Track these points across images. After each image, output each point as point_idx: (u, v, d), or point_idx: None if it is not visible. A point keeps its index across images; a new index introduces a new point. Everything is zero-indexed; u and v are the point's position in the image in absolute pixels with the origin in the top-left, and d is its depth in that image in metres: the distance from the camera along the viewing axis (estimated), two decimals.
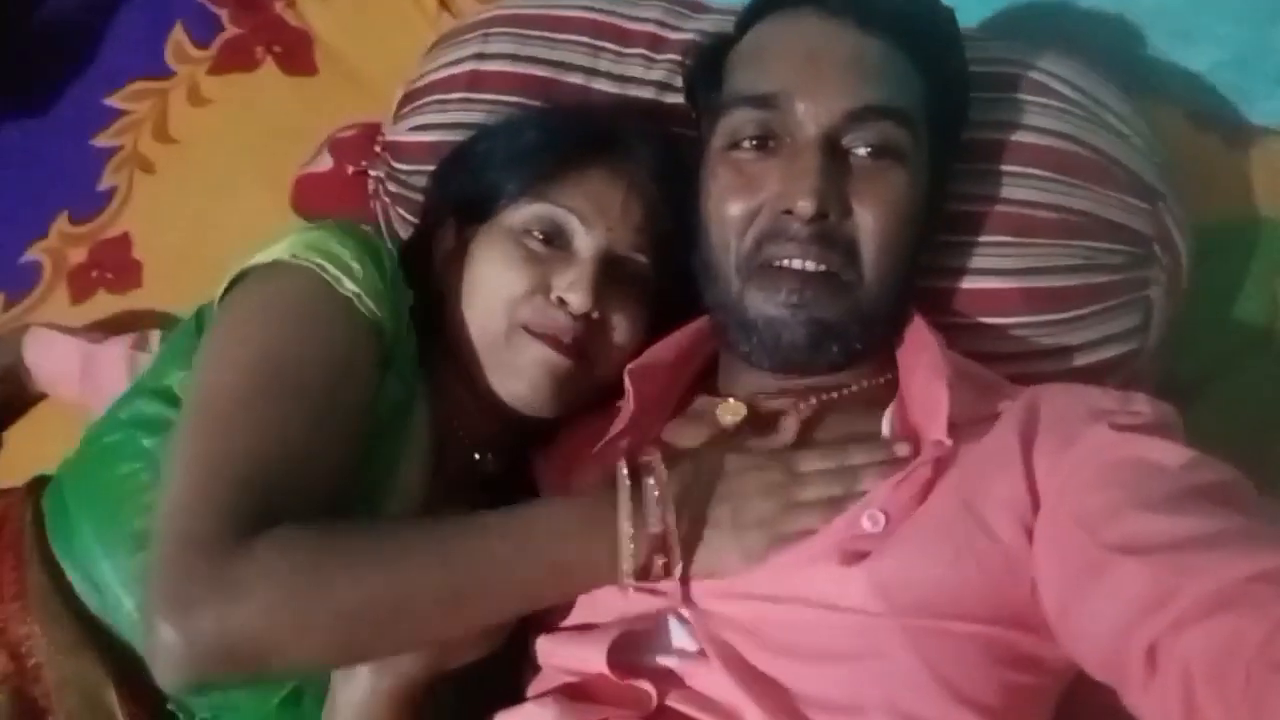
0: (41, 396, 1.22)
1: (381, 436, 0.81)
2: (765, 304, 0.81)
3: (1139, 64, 1.10)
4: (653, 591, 0.75)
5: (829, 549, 0.72)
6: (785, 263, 0.80)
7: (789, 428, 0.81)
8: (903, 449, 0.76)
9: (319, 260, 0.78)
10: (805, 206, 0.77)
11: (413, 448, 0.85)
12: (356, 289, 0.78)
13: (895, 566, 0.71)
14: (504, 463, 0.93)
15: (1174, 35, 1.11)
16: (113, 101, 1.39)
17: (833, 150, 0.79)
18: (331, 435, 0.74)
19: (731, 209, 0.82)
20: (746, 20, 0.89)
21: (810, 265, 0.79)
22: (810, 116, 0.79)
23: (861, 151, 0.80)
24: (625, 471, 0.74)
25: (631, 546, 0.72)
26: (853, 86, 0.80)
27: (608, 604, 0.76)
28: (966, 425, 0.75)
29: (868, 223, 0.79)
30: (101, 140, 1.37)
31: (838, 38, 0.81)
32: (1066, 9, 1.14)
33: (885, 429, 0.78)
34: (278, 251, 0.80)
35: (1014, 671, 0.71)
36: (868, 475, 0.74)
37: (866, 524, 0.72)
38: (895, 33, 0.81)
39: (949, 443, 0.73)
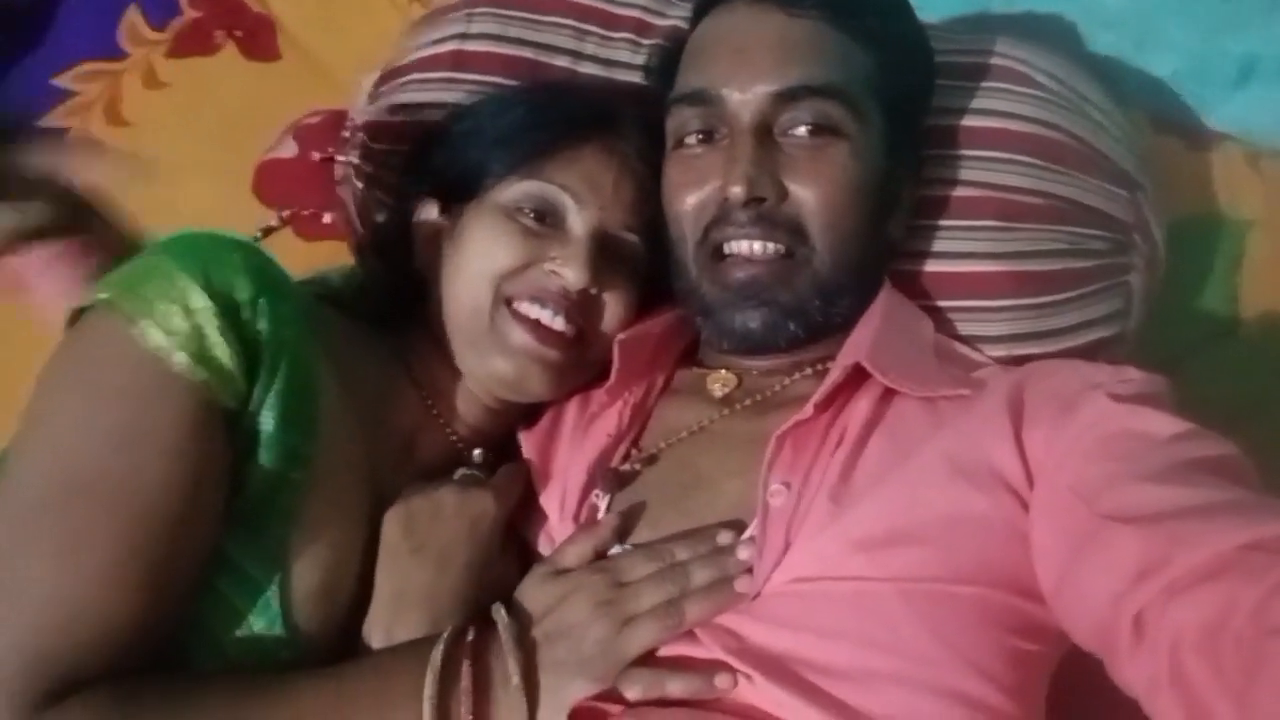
0: None
1: (273, 469, 0.72)
2: (720, 292, 0.83)
3: (1101, 70, 1.14)
4: None
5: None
6: (732, 246, 0.83)
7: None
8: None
9: (129, 307, 0.70)
10: (737, 192, 0.80)
11: (329, 479, 0.77)
12: (166, 343, 0.69)
13: (875, 522, 0.71)
14: (493, 456, 0.90)
15: (1134, 43, 1.15)
16: (60, 82, 1.34)
17: (766, 134, 0.82)
18: (154, 543, 0.66)
19: (684, 203, 0.85)
20: (693, 20, 0.92)
21: (756, 248, 0.82)
22: (742, 105, 0.82)
23: (800, 131, 0.82)
24: (438, 658, 0.69)
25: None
26: (778, 69, 0.82)
27: None
28: (906, 376, 0.78)
29: (807, 199, 0.82)
30: (48, 121, 1.31)
31: (765, 24, 0.84)
32: (1031, 16, 1.18)
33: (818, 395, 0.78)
34: (104, 287, 0.72)
35: (1019, 638, 0.71)
36: (697, 568, 0.73)
37: (774, 500, 0.73)
38: (829, 11, 0.83)
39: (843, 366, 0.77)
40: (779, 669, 0.68)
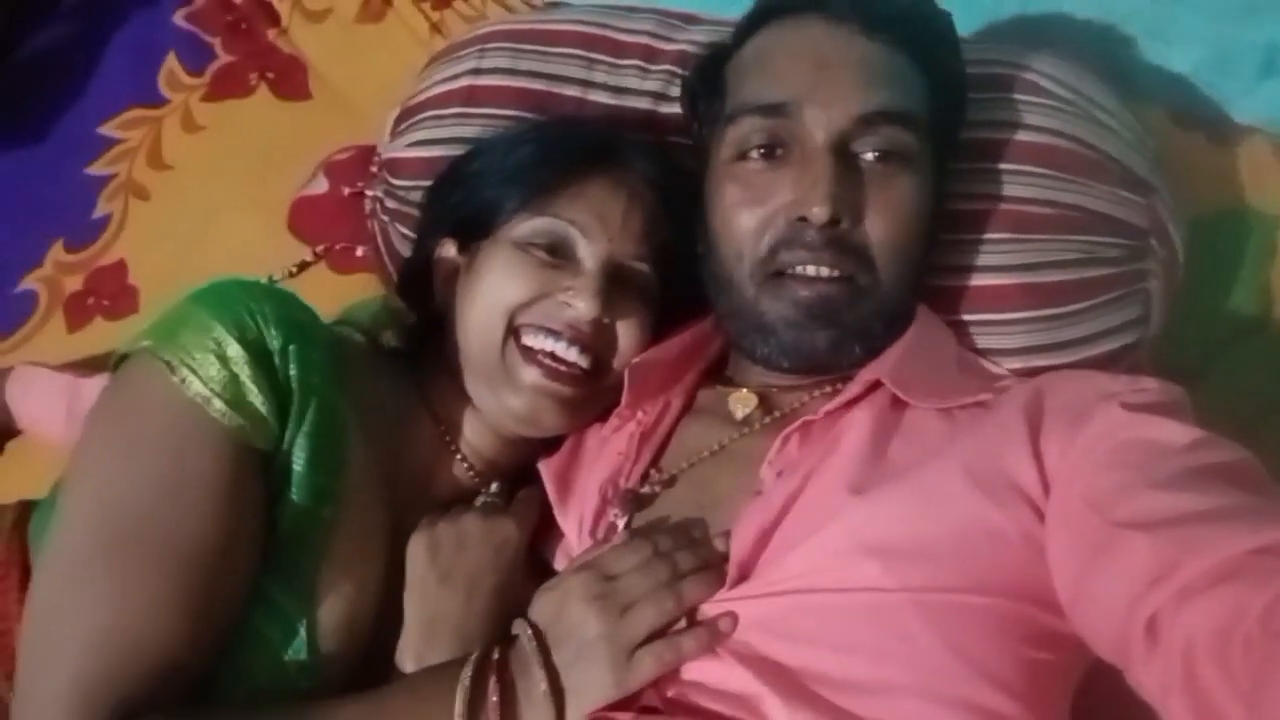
0: (17, 433, 1.20)
1: (302, 516, 0.76)
2: (784, 309, 0.82)
3: (1120, 67, 1.13)
4: None
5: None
6: (799, 269, 0.81)
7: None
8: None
9: (170, 356, 0.74)
10: (820, 213, 0.78)
11: (356, 516, 0.80)
12: (205, 391, 0.73)
13: (890, 526, 0.71)
14: (509, 490, 0.92)
15: (1153, 37, 1.13)
16: (106, 130, 1.40)
17: (843, 156, 0.80)
18: (200, 582, 0.70)
19: (744, 221, 0.83)
20: (748, 28, 0.90)
21: (825, 271, 0.81)
22: (820, 123, 0.80)
23: (870, 156, 0.81)
24: (468, 677, 0.72)
25: None
26: (861, 92, 0.80)
27: None
28: (927, 391, 0.79)
29: (879, 230, 0.81)
30: (95, 168, 1.38)
31: (844, 43, 0.82)
32: (1048, 17, 1.17)
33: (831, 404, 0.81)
34: (145, 335, 0.77)
35: (1036, 649, 0.71)
36: (683, 555, 0.75)
37: (764, 486, 0.76)
38: (899, 37, 0.83)
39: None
40: (795, 685, 0.69)
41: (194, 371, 0.73)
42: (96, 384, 1.11)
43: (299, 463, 0.76)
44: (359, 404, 0.83)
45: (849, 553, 0.71)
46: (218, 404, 0.73)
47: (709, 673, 0.72)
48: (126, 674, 0.67)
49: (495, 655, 0.74)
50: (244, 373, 0.74)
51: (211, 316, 0.75)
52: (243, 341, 0.74)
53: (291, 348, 0.76)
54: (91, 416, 0.76)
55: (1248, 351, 1.05)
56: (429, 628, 0.80)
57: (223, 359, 0.74)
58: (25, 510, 0.85)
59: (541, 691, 0.71)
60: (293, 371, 0.76)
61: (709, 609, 0.75)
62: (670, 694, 0.72)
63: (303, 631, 0.75)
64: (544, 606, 0.76)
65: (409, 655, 0.79)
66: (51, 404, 1.14)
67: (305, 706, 0.73)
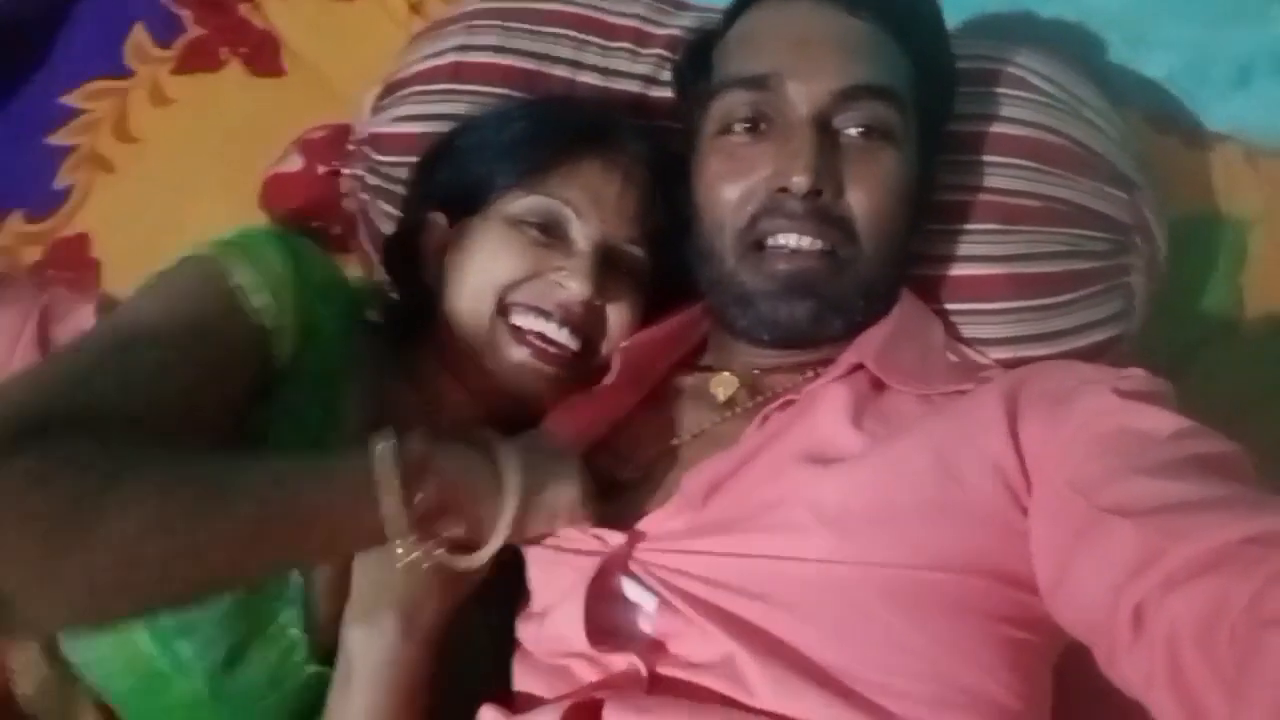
0: None
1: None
2: (762, 282, 0.82)
3: (1099, 70, 1.14)
4: (595, 543, 0.76)
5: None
6: (780, 239, 0.82)
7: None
8: None
9: (219, 253, 0.76)
10: (800, 182, 0.79)
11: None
12: (242, 283, 0.75)
13: (851, 497, 0.71)
14: None
15: (1131, 42, 1.15)
16: (69, 100, 1.35)
17: (825, 129, 0.81)
18: (178, 387, 0.69)
19: (726, 192, 0.84)
20: (736, 9, 0.91)
21: (805, 242, 0.81)
22: (802, 96, 0.81)
23: (852, 132, 0.82)
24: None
25: (403, 511, 0.69)
26: (843, 66, 0.82)
27: (560, 575, 0.77)
28: (908, 375, 0.80)
29: (861, 201, 0.82)
30: (56, 139, 1.33)
31: (827, 20, 0.83)
32: (1028, 18, 1.18)
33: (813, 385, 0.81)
34: (206, 245, 0.79)
35: (1013, 627, 0.71)
36: None
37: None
38: (883, 16, 0.84)
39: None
40: (768, 643, 0.69)
41: (237, 270, 0.75)
42: (75, 311, 1.00)
43: (297, 399, 0.77)
44: (361, 369, 0.84)
45: (805, 524, 0.71)
46: (258, 299, 0.74)
47: (686, 642, 0.71)
48: (68, 402, 0.63)
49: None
50: (287, 291, 0.76)
51: (273, 244, 0.78)
52: (295, 268, 0.77)
53: (330, 291, 0.81)
54: (137, 292, 0.76)
55: (1220, 353, 1.07)
56: (377, 591, 0.75)
57: (267, 272, 0.76)
58: None
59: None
60: (322, 312, 0.79)
61: (655, 545, 0.75)
62: (657, 669, 0.71)
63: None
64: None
65: (357, 615, 0.76)
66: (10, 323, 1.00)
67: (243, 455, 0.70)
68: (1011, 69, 0.97)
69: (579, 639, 0.71)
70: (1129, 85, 1.14)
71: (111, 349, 0.69)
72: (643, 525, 0.77)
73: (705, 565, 0.73)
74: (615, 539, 0.76)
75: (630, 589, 0.74)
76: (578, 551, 0.77)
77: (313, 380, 0.79)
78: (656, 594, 0.73)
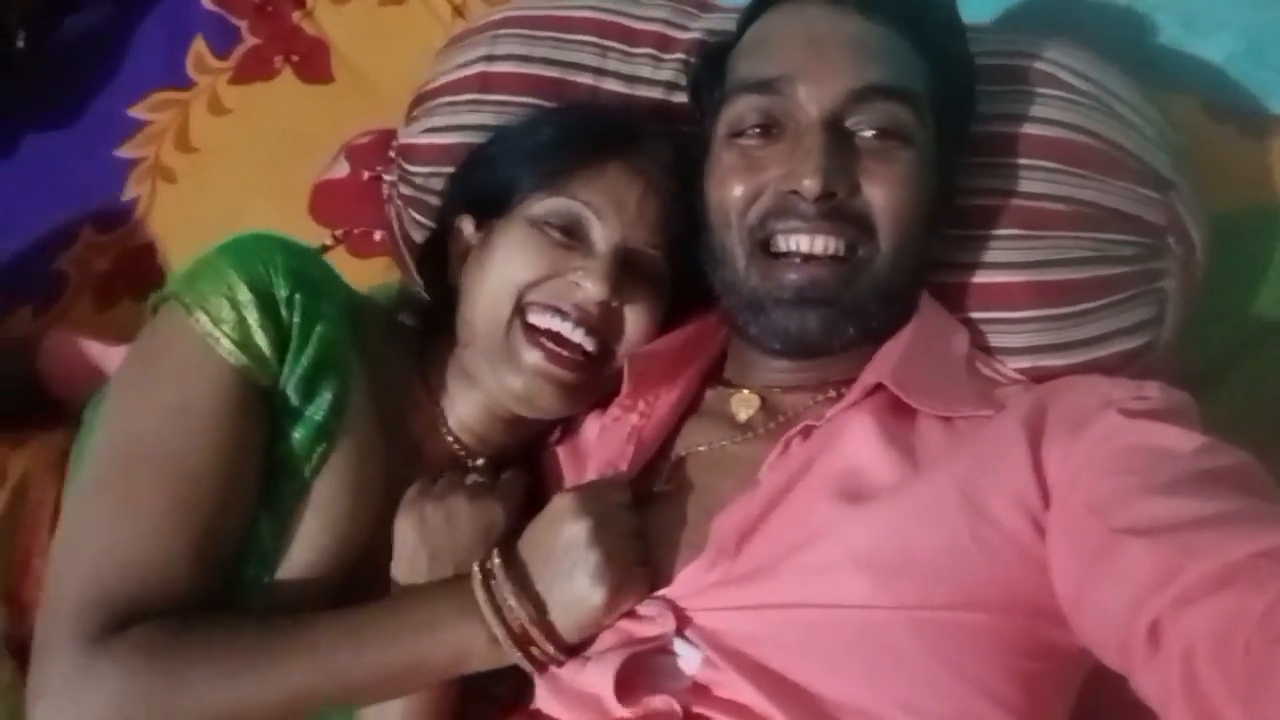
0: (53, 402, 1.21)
1: (295, 461, 0.82)
2: (774, 290, 0.82)
3: (1152, 56, 1.10)
4: (641, 618, 0.76)
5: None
6: (791, 242, 0.81)
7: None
8: None
9: (188, 299, 0.81)
10: (811, 185, 0.78)
11: (345, 460, 0.84)
12: (215, 330, 0.79)
13: (882, 538, 0.71)
14: (495, 468, 0.93)
15: (1186, 26, 1.10)
16: (135, 112, 1.41)
17: (837, 131, 0.80)
18: (197, 503, 0.77)
19: (734, 189, 0.83)
20: (749, 16, 0.90)
21: (819, 246, 0.80)
22: (812, 99, 0.80)
23: (867, 133, 0.81)
24: (478, 570, 0.77)
25: (502, 630, 0.76)
26: (855, 67, 0.80)
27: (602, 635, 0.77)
28: (929, 394, 0.78)
29: (878, 197, 0.80)
30: (124, 151, 1.39)
31: (839, 22, 0.82)
32: (1077, 3, 1.14)
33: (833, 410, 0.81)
34: (172, 282, 0.85)
35: (1032, 660, 0.71)
36: None
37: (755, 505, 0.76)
38: (897, 19, 0.82)
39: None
40: (796, 698, 0.69)
41: (207, 313, 0.80)
42: (121, 352, 1.14)
43: (295, 399, 0.82)
44: (368, 361, 0.87)
45: (841, 567, 0.71)
46: (226, 343, 0.79)
47: (722, 688, 0.72)
48: (130, 583, 0.74)
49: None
50: (251, 316, 0.80)
51: (229, 265, 0.82)
52: (253, 288, 0.80)
53: (297, 296, 0.82)
54: (125, 357, 0.86)
55: (1274, 350, 1.03)
56: None
57: (234, 303, 0.80)
58: (69, 445, 0.92)
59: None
60: (296, 319, 0.82)
61: (697, 602, 0.75)
62: (693, 709, 0.71)
63: (270, 560, 0.81)
64: (534, 530, 0.79)
65: None
66: (85, 363, 1.14)
67: (301, 618, 0.78)
68: (1039, 64, 0.94)
69: (609, 697, 0.72)
70: (1183, 71, 1.09)
71: (122, 493, 0.77)
72: (680, 580, 0.77)
73: (748, 621, 0.73)
74: (665, 617, 0.75)
75: (678, 645, 0.75)
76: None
77: (304, 382, 0.82)
78: (703, 653, 0.73)
